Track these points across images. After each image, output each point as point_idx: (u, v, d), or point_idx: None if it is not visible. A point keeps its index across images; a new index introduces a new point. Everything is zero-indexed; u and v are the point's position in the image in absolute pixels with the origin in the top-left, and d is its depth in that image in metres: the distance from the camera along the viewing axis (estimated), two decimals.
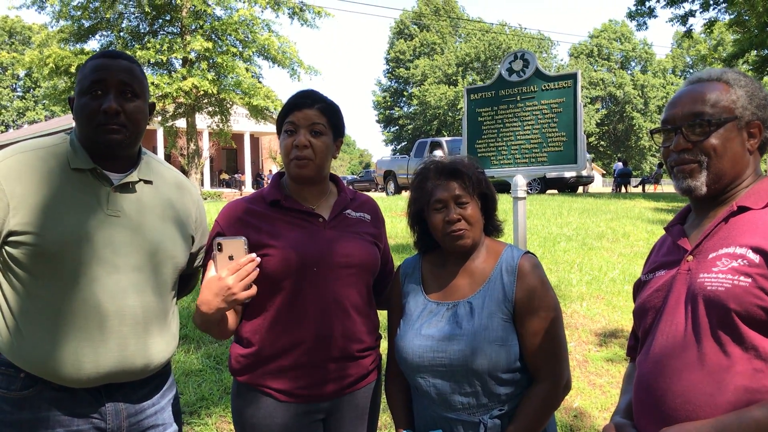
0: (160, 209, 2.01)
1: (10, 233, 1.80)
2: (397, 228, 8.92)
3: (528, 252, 2.09)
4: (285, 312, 2.08)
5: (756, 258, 1.45)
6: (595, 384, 4.80)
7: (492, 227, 2.16)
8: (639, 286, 1.80)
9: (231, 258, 1.91)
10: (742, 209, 1.57)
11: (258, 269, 1.96)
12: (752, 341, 1.42)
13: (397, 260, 2.36)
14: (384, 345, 2.36)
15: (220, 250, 1.92)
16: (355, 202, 2.28)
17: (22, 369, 1.84)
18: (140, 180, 1.98)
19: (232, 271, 1.90)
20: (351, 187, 2.57)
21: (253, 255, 1.92)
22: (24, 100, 64.61)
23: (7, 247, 1.82)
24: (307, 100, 2.15)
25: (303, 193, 2.19)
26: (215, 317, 1.98)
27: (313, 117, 2.12)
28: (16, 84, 65.95)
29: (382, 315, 2.32)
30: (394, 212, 12.21)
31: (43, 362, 1.81)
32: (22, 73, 56.03)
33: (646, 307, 1.67)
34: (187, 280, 2.27)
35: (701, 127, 1.59)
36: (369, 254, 2.19)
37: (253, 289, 1.93)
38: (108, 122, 1.87)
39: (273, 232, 2.10)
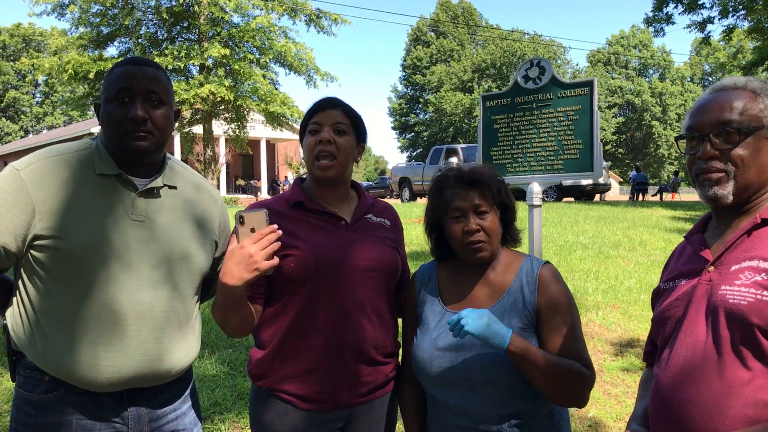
0: (184, 214, 2.03)
1: (36, 237, 1.82)
2: (412, 235, 8.90)
3: (547, 262, 2.07)
4: (305, 314, 2.07)
5: None
6: (611, 394, 4.77)
7: (510, 237, 2.13)
8: (658, 294, 1.79)
9: (253, 230, 1.89)
10: (766, 222, 1.55)
11: (279, 241, 1.92)
12: None
13: (413, 267, 2.36)
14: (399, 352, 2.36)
15: (242, 223, 1.89)
16: (376, 208, 2.30)
17: (46, 372, 1.86)
18: (165, 185, 2.00)
19: (253, 241, 1.87)
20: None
21: (275, 226, 1.89)
22: (43, 106, 65.36)
23: (32, 251, 1.84)
24: (330, 102, 2.20)
25: (325, 196, 2.20)
26: (237, 293, 1.91)
27: (336, 116, 2.16)
28: (35, 90, 66.75)
29: (399, 322, 2.32)
30: (409, 219, 12.20)
31: (65, 366, 1.83)
32: (41, 79, 56.66)
33: (666, 316, 1.66)
34: (210, 285, 2.28)
35: (730, 135, 1.57)
36: (391, 258, 2.19)
37: (275, 260, 1.89)
38: (135, 129, 1.88)
39: (295, 232, 2.10)
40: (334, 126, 2.14)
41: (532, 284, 1.99)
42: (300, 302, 2.08)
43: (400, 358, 2.28)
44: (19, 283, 1.90)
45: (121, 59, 22.59)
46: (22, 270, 1.90)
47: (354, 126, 2.20)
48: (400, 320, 2.31)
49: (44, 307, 1.85)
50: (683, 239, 1.80)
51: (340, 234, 2.14)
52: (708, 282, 1.57)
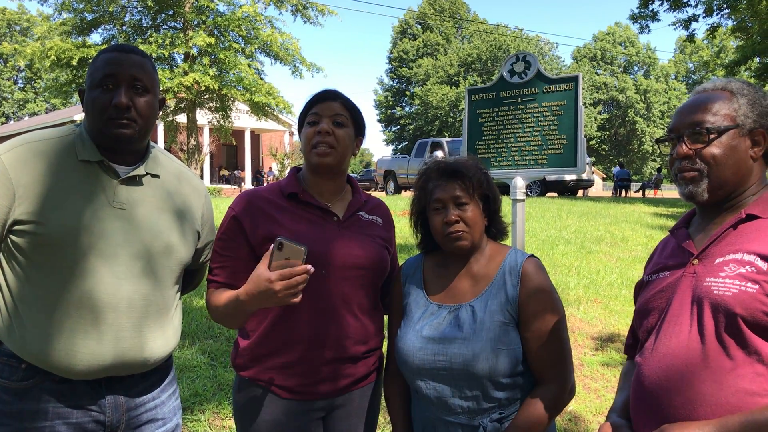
0: (166, 203, 2.01)
1: (16, 222, 1.80)
2: (396, 228, 8.88)
3: (532, 255, 2.07)
4: (290, 307, 2.04)
5: (764, 266, 1.48)
6: (591, 388, 4.81)
7: (496, 230, 2.13)
8: (641, 287, 1.83)
9: (287, 259, 1.84)
10: (751, 217, 1.60)
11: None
12: (755, 346, 1.46)
13: (399, 260, 2.37)
14: (385, 345, 2.36)
15: (279, 249, 1.84)
16: (369, 205, 2.30)
17: (23, 360, 1.84)
18: (147, 174, 1.99)
19: (283, 277, 1.82)
20: None
21: (309, 267, 1.84)
22: (24, 92, 64.56)
23: (11, 236, 1.82)
24: (329, 94, 2.19)
25: (320, 187, 2.20)
26: (249, 311, 1.98)
27: (336, 108, 2.15)
28: (17, 76, 65.92)
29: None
30: (394, 212, 12.20)
31: (42, 353, 1.82)
32: (23, 64, 55.94)
33: (650, 307, 1.70)
34: (192, 276, 2.28)
35: (701, 135, 1.62)
36: (379, 257, 2.19)
37: (298, 298, 1.86)
38: (118, 116, 1.87)
39: (286, 224, 2.10)
40: (333, 118, 2.14)
41: (515, 277, 1.99)
42: None
43: (384, 350, 2.28)
44: None
45: (105, 46, 22.51)
46: (0, 255, 1.88)
47: (353, 119, 2.20)
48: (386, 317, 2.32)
49: (22, 294, 1.84)
50: (668, 233, 1.84)
51: (330, 230, 2.14)
52: (693, 274, 1.61)
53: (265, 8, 24.54)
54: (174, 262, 2.01)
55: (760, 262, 1.49)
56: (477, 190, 2.03)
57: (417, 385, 2.03)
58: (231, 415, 3.95)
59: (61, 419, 1.86)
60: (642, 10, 25.09)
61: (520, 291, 1.97)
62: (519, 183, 4.86)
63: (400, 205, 13.81)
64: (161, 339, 1.98)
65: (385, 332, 2.29)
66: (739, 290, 1.48)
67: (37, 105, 63.27)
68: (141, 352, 1.91)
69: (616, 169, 31.11)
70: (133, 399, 1.97)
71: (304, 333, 2.08)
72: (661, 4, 24.65)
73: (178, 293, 2.11)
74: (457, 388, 1.95)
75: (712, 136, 1.61)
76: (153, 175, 2.01)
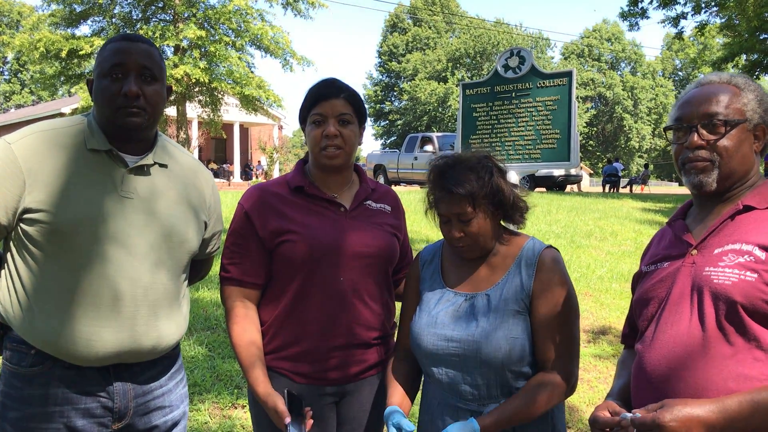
0: (173, 193, 2.03)
1: (26, 210, 1.82)
2: None
3: (550, 246, 2.06)
4: (302, 297, 2.12)
5: (762, 255, 1.53)
6: (583, 379, 4.87)
7: (512, 220, 2.08)
8: (639, 277, 1.87)
9: (298, 415, 1.95)
10: (748, 208, 1.64)
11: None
12: (755, 333, 1.51)
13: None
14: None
15: (298, 407, 1.96)
16: (376, 193, 2.31)
17: (32, 345, 1.86)
18: (155, 163, 2.00)
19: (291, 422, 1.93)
20: None
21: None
22: (11, 84, 63.93)
23: (22, 225, 1.84)
24: (332, 89, 2.16)
25: (327, 181, 2.22)
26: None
27: (340, 107, 2.14)
28: (3, 67, 65.25)
29: (399, 306, 2.32)
30: None
31: (53, 340, 1.84)
32: (9, 56, 55.41)
33: (649, 296, 1.74)
34: (200, 266, 2.30)
35: (716, 126, 1.65)
36: (387, 244, 2.22)
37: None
38: (128, 105, 1.88)
39: (295, 218, 2.13)
40: (338, 117, 2.13)
41: (531, 266, 1.98)
42: (296, 286, 2.12)
43: (395, 338, 2.30)
44: (8, 256, 1.91)
45: (94, 38, 22.43)
46: (11, 243, 1.90)
47: (357, 112, 2.19)
48: (398, 303, 2.33)
49: (32, 281, 1.86)
50: (665, 225, 1.88)
51: (338, 220, 2.17)
52: (692, 264, 1.66)
53: (256, 1, 24.46)
54: (182, 249, 2.03)
55: (758, 252, 1.54)
56: (483, 201, 1.96)
57: (430, 370, 2.05)
58: (231, 405, 3.98)
59: (70, 405, 1.88)
60: (632, 7, 25.22)
61: (535, 280, 1.96)
62: (513, 177, 4.89)
63: None
64: (170, 327, 2.01)
65: (396, 321, 2.32)
66: (739, 279, 1.53)
67: (23, 97, 62.66)
68: (151, 338, 1.94)
69: (606, 166, 31.20)
70: (141, 386, 1.99)
71: (315, 322, 2.11)
72: (651, 2, 24.79)
73: (186, 281, 2.14)
74: (469, 375, 1.96)
75: (727, 129, 1.64)
76: (161, 165, 2.03)
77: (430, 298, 2.09)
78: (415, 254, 2.37)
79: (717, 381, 1.51)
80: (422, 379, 2.20)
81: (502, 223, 2.10)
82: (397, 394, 2.07)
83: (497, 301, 1.97)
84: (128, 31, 22.91)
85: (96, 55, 1.99)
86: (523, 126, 5.21)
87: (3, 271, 1.93)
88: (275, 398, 1.98)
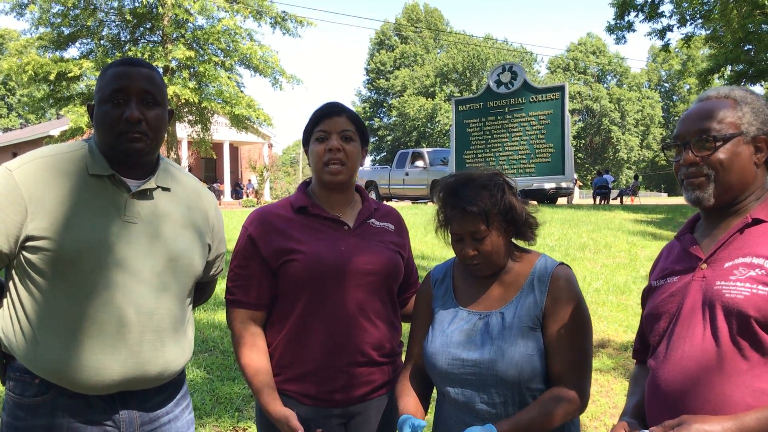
0: (177, 216, 2.01)
1: (28, 238, 1.79)
2: None
3: (562, 263, 2.06)
4: (307, 317, 2.12)
5: None
6: None
7: (524, 237, 2.07)
8: (649, 292, 1.86)
9: None
10: (757, 221, 1.64)
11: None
12: None
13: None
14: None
15: None
16: (379, 212, 2.33)
17: (37, 375, 1.83)
18: (158, 187, 1.98)
19: None
20: None
21: None
22: None
23: (24, 252, 1.81)
24: (335, 108, 2.22)
25: (330, 200, 2.24)
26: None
27: (343, 124, 2.18)
28: None
29: (406, 325, 2.31)
30: None
31: (58, 369, 1.81)
32: None
33: (660, 311, 1.73)
34: (204, 289, 2.28)
35: (708, 142, 1.66)
36: (391, 262, 2.22)
37: None
38: (130, 130, 1.87)
39: (299, 238, 2.14)
40: (341, 134, 2.18)
41: (544, 284, 1.98)
42: (302, 306, 2.12)
43: (403, 357, 2.28)
44: (10, 284, 1.88)
45: (83, 61, 22.39)
46: (13, 272, 1.87)
47: (359, 131, 2.23)
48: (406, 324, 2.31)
49: (36, 309, 1.83)
50: (674, 239, 1.88)
51: (342, 239, 2.18)
52: (702, 278, 1.65)
53: (244, 21, 24.52)
54: (187, 273, 2.01)
55: None
56: (496, 218, 1.96)
57: (445, 389, 2.03)
58: (231, 428, 3.94)
59: None
60: (618, 20, 25.50)
61: (548, 297, 1.96)
62: None
63: None
64: (177, 351, 1.98)
65: (403, 340, 2.30)
66: (751, 293, 1.52)
67: (11, 120, 62.41)
68: (158, 364, 1.91)
69: (597, 178, 31.38)
70: (147, 413, 1.96)
71: (320, 342, 2.11)
72: (637, 15, 25.08)
73: (191, 306, 2.11)
74: (486, 393, 1.95)
75: (718, 144, 1.65)
76: (164, 188, 2.01)
77: (443, 317, 2.08)
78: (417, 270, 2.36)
79: (734, 396, 1.50)
80: (433, 397, 2.18)
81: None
82: (411, 403, 2.06)
83: (512, 319, 1.97)
84: (117, 53, 23.07)
85: (96, 80, 1.98)
86: (517, 140, 5.25)
87: (5, 300, 1.90)
88: (289, 415, 1.99)
